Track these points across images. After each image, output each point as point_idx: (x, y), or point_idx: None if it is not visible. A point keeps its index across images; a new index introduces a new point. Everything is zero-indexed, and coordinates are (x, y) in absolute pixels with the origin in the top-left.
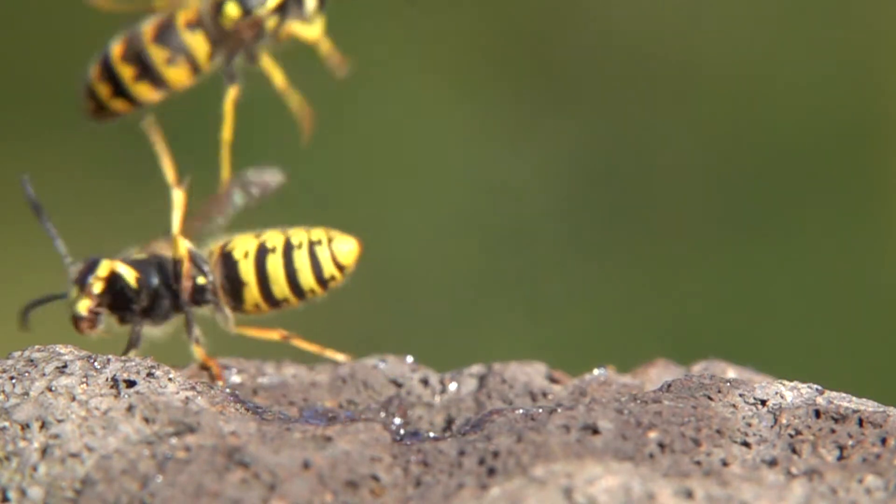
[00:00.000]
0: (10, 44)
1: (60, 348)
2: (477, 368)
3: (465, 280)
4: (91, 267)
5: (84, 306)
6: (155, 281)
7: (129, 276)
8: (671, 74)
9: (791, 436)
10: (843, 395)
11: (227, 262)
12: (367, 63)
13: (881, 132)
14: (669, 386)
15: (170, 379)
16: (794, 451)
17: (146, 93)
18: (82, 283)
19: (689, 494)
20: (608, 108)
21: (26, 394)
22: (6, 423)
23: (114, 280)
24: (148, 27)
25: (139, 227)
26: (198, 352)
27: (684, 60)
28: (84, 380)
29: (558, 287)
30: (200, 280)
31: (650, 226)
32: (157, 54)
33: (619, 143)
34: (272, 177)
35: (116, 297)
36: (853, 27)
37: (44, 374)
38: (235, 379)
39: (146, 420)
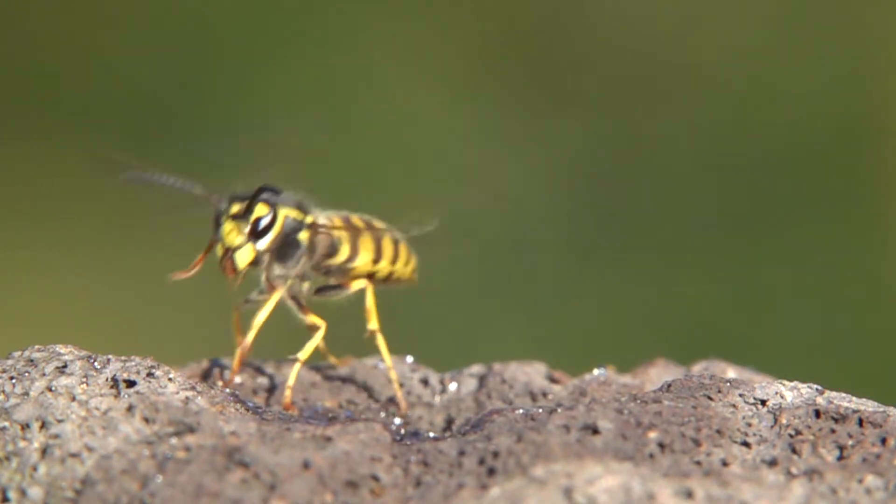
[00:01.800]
0: (11, 44)
1: (60, 348)
2: (477, 368)
3: (466, 280)
4: (271, 217)
5: (247, 258)
6: (304, 257)
7: (301, 243)
8: (671, 76)
9: (791, 436)
10: (843, 395)
11: (341, 268)
12: (366, 64)
13: (881, 133)
14: (669, 386)
15: (170, 379)
16: (794, 451)
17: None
18: (255, 231)
19: (689, 494)
20: (608, 110)
21: (26, 394)
22: (6, 423)
23: (282, 240)
24: None
25: (140, 227)
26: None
27: (684, 62)
28: (84, 380)
29: (558, 287)
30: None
31: (650, 226)
32: None
33: (619, 145)
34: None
35: (272, 253)
36: (853, 29)
37: (44, 374)
38: (235, 379)
39: (146, 420)
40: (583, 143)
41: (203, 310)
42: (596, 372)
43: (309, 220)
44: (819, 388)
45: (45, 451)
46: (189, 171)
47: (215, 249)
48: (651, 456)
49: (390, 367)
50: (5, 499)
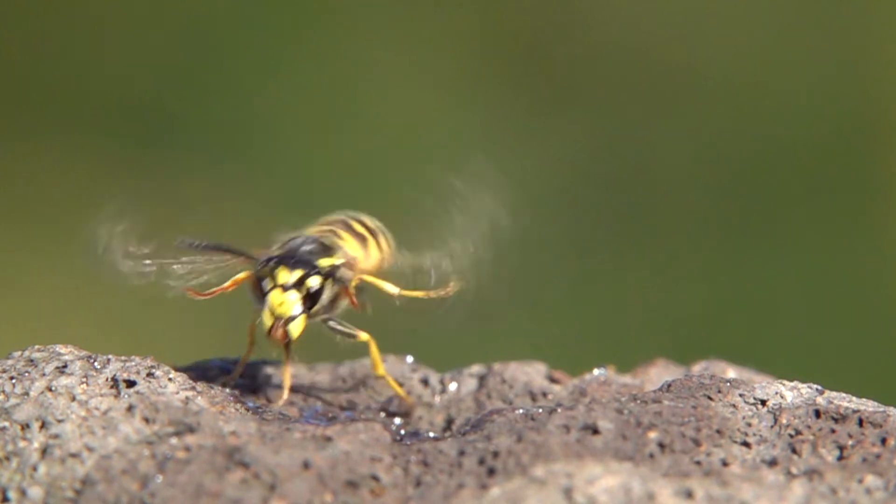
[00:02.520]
0: (10, 44)
1: (60, 348)
2: (477, 368)
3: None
4: (320, 285)
5: (300, 328)
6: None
7: (333, 288)
8: (671, 75)
9: (791, 436)
10: (843, 395)
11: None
12: (366, 65)
13: (881, 133)
14: (669, 386)
15: (170, 379)
16: (794, 451)
17: None
18: (308, 302)
19: (689, 494)
20: (608, 110)
21: (26, 394)
22: (6, 423)
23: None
24: None
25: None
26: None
27: (684, 61)
28: (84, 380)
29: (558, 287)
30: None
31: (650, 226)
32: None
33: (619, 144)
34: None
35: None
36: (852, 28)
37: (44, 374)
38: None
39: (146, 420)
40: (583, 143)
41: (203, 310)
42: (596, 372)
43: (337, 261)
44: (819, 388)
45: (45, 451)
46: (189, 171)
47: (262, 316)
48: (651, 456)
49: (403, 397)
50: (5, 499)
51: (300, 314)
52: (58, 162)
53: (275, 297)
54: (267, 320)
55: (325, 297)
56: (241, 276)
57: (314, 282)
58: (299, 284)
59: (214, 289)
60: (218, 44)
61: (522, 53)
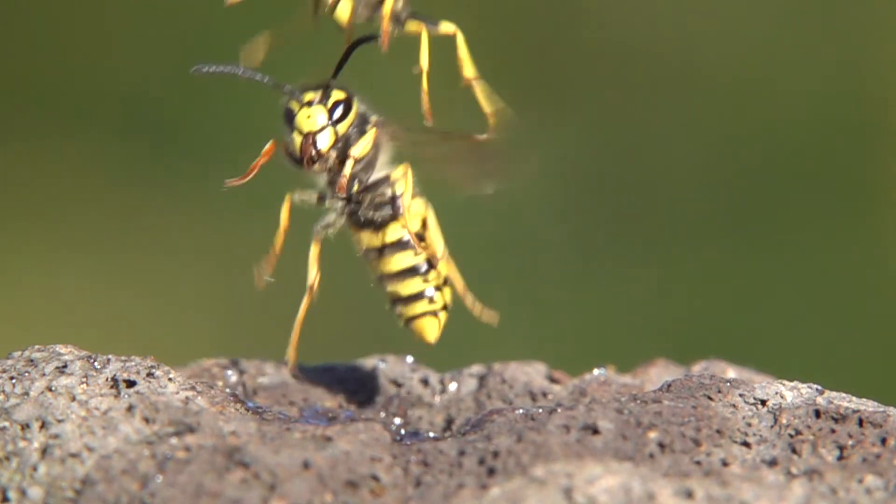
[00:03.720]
0: (10, 44)
1: (60, 348)
2: (477, 368)
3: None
4: (347, 101)
5: (329, 140)
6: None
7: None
8: (670, 76)
9: (791, 436)
10: (843, 395)
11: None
12: (366, 67)
13: (881, 133)
14: (669, 386)
15: (170, 379)
16: (794, 451)
17: None
18: (334, 114)
19: (689, 494)
20: (608, 110)
21: (26, 394)
22: (6, 423)
23: (355, 128)
24: None
25: (139, 227)
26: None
27: (684, 62)
28: (84, 380)
29: (558, 287)
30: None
31: (650, 226)
32: None
33: (619, 145)
34: None
35: (341, 147)
36: (853, 27)
37: (44, 374)
38: (235, 379)
39: (146, 420)
40: (584, 143)
41: (203, 310)
42: (596, 372)
43: (375, 117)
44: (819, 388)
45: (45, 451)
46: (188, 171)
47: (291, 141)
48: (651, 456)
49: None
50: (5, 499)
51: (327, 125)
52: (58, 162)
53: (301, 115)
54: (297, 140)
55: (353, 121)
56: (269, 146)
57: (340, 95)
58: (325, 99)
59: (250, 169)
60: (218, 44)
61: (522, 53)
